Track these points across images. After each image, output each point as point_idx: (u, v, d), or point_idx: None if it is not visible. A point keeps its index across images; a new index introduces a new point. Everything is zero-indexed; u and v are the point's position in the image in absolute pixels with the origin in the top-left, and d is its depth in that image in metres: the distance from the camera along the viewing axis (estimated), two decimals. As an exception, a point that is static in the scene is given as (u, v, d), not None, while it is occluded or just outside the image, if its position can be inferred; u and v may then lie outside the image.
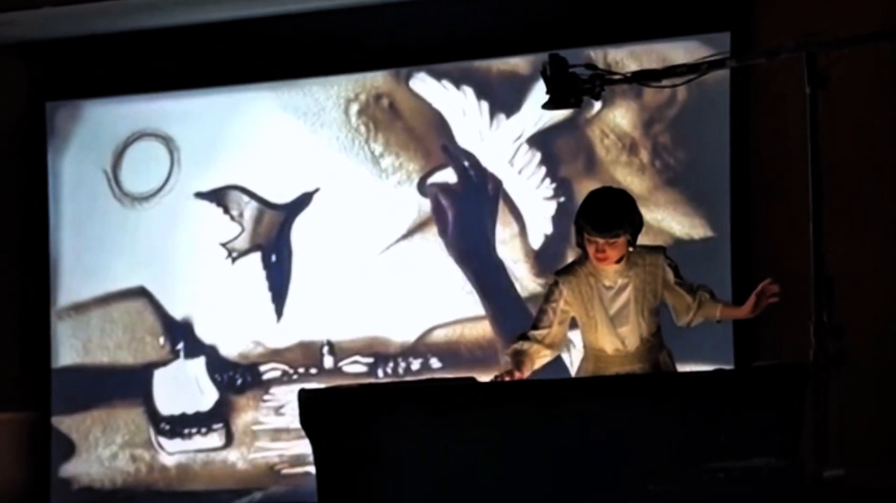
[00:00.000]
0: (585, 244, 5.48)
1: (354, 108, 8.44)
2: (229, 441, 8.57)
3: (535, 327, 5.59)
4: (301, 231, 8.49)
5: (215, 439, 8.60)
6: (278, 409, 8.43)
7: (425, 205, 8.26)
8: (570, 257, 6.82)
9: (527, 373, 5.52)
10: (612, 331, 5.52)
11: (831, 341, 4.13)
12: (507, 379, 5.42)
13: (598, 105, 7.69)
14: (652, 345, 5.55)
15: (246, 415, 8.54)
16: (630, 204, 5.52)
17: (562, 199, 7.95)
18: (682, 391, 5.07)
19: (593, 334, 5.55)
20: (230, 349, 8.57)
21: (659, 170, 7.80)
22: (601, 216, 5.41)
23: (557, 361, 5.94)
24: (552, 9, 8.01)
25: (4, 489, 8.69)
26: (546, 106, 4.95)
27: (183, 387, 8.64)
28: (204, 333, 8.63)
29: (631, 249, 5.47)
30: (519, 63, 8.09)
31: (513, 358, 5.56)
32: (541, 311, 5.62)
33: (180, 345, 8.67)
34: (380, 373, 8.26)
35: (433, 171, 8.26)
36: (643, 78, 4.87)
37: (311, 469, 5.79)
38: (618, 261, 5.47)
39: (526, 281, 7.99)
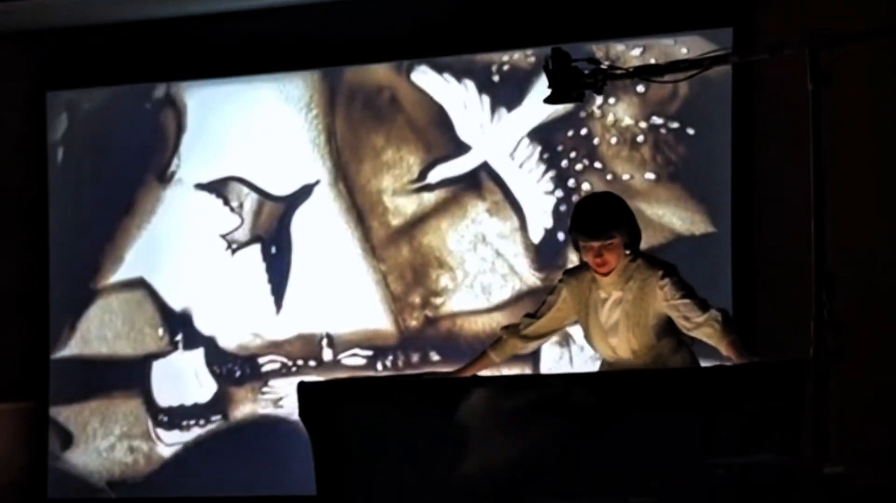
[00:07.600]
0: (583, 255, 5.41)
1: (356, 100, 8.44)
2: (227, 433, 8.57)
3: (527, 316, 5.65)
4: (301, 223, 8.48)
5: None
6: (277, 402, 8.42)
7: (426, 198, 8.24)
8: (570, 252, 6.84)
9: (495, 360, 5.65)
10: (605, 339, 5.48)
11: (832, 337, 4.12)
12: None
13: (599, 99, 7.68)
14: (655, 354, 5.42)
15: (244, 407, 8.53)
16: (621, 205, 5.43)
17: (562, 194, 7.94)
18: (682, 387, 5.07)
19: (590, 338, 5.54)
20: (229, 341, 8.57)
21: (660, 165, 7.79)
22: (592, 220, 5.34)
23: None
24: (555, 3, 8.00)
25: (2, 479, 8.68)
26: (548, 100, 4.93)
27: (181, 378, 8.63)
28: (203, 325, 8.62)
29: (628, 254, 5.37)
30: (521, 57, 8.07)
31: (490, 347, 5.70)
32: (541, 303, 5.66)
33: (179, 337, 8.67)
34: (379, 366, 8.26)
35: (434, 164, 8.25)
36: (645, 73, 4.86)
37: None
38: (615, 270, 5.38)
39: (526, 275, 7.98)
